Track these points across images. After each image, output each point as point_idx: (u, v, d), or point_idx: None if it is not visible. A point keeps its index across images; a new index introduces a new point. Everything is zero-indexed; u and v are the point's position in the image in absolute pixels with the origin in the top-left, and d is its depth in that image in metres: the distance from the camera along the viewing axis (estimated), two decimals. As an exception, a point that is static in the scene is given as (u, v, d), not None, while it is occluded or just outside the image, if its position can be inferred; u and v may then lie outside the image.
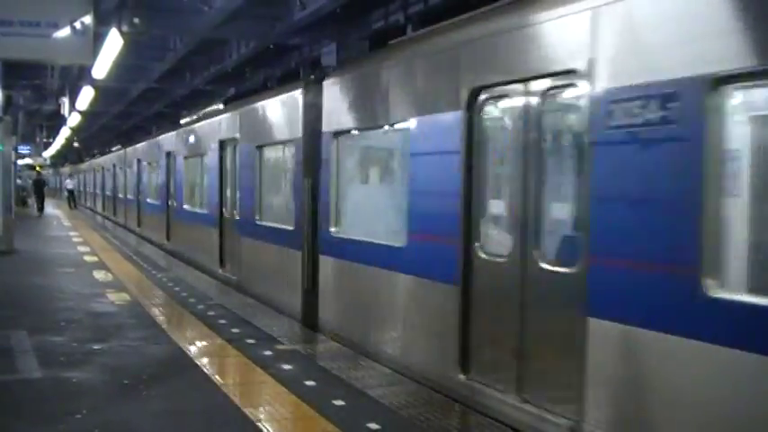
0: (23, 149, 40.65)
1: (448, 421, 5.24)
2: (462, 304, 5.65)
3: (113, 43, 14.56)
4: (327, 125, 8.20)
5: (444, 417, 5.32)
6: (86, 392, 5.76)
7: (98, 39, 14.03)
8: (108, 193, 31.90)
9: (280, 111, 9.95)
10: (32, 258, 14.75)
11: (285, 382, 6.02)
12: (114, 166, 29.40)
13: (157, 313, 9.04)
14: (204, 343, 7.60)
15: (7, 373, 6.27)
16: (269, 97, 10.44)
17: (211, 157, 13.11)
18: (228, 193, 12.33)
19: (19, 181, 32.77)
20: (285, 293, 9.32)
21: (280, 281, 9.63)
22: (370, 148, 8.25)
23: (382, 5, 14.25)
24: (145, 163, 21.59)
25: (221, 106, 14.07)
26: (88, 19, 12.95)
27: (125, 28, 14.49)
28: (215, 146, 12.79)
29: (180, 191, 16.26)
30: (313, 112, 8.50)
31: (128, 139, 33.86)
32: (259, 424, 5.05)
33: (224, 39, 18.44)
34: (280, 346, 7.36)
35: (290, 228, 9.14)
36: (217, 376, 6.25)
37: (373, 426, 5.03)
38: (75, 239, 19.30)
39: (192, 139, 15.21)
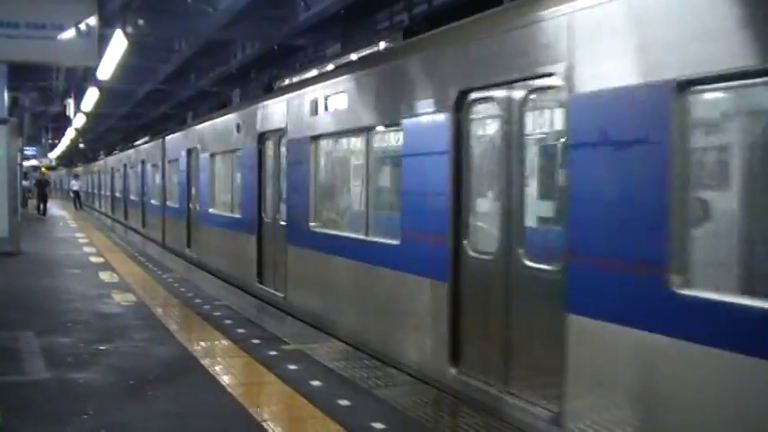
0: (29, 151, 40.83)
1: None
2: None
3: (118, 45, 14.65)
4: None
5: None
6: (93, 393, 5.78)
7: (103, 40, 14.13)
8: (133, 197, 25.51)
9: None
10: (39, 260, 14.79)
11: (290, 383, 6.03)
12: (143, 162, 23.06)
13: (163, 314, 9.06)
14: (210, 343, 7.62)
15: (15, 375, 6.30)
16: None
17: (415, 135, 6.65)
18: (464, 201, 6.05)
19: (25, 182, 32.87)
20: None
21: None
22: None
23: (386, 6, 14.29)
24: (204, 155, 14.80)
25: (380, 46, 8.22)
26: (93, 21, 13.05)
27: (130, 30, 14.58)
28: (428, 109, 6.37)
29: (303, 199, 9.41)
30: None
31: (133, 139, 33.89)
32: (264, 424, 5.07)
33: (229, 40, 18.53)
34: (285, 347, 7.38)
35: None
36: (223, 377, 6.28)
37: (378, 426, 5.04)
38: (81, 240, 19.35)
39: (324, 106, 8.74)
